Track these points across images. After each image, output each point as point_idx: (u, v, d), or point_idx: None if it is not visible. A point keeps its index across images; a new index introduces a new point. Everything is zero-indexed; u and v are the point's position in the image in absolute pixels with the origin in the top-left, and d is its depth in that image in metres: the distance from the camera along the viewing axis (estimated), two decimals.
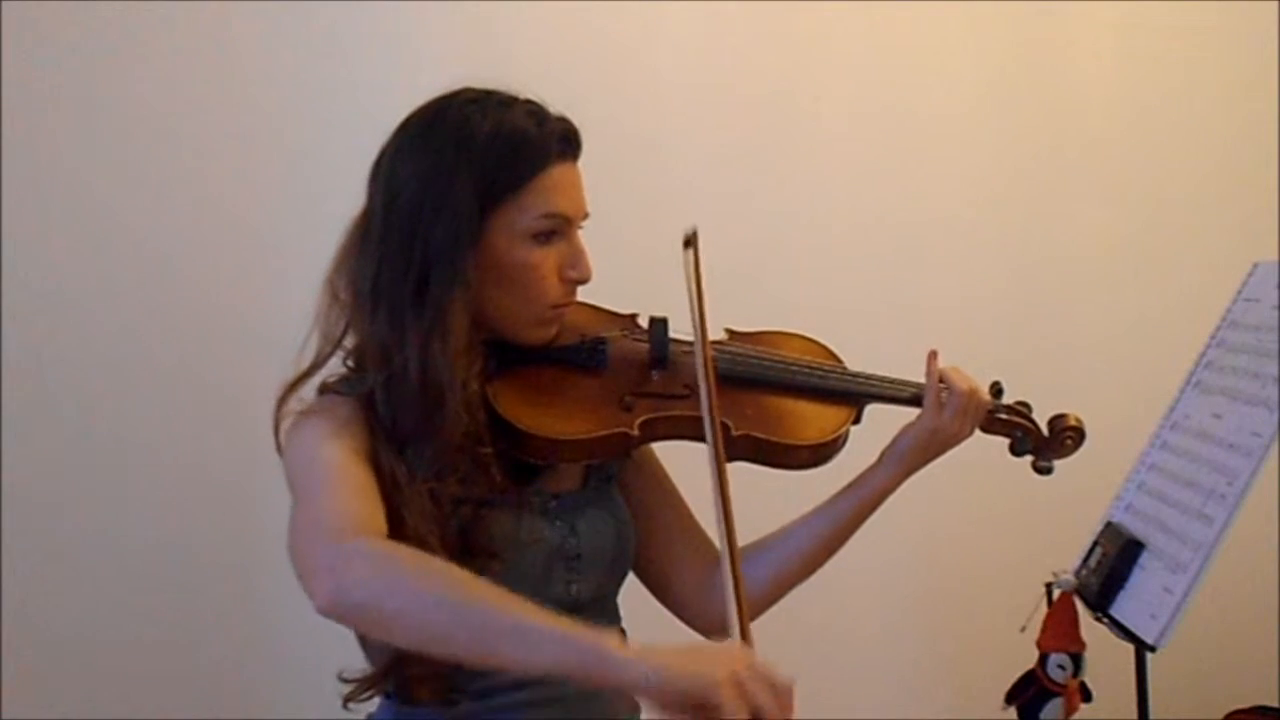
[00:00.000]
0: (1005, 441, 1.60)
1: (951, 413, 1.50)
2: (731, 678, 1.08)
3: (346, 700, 1.41)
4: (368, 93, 2.10)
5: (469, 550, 1.35)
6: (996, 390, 1.57)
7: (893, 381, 1.56)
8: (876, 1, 2.47)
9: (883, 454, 1.54)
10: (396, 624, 1.15)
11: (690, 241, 1.45)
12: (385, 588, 1.15)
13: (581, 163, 1.44)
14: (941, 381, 1.52)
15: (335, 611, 1.17)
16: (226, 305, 2.09)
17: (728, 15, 2.38)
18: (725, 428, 1.44)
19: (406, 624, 1.15)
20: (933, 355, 1.53)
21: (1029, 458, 1.60)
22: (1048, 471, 1.61)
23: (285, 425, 1.38)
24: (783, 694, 1.10)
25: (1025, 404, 1.61)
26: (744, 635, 1.21)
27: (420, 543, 1.30)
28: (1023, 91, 2.58)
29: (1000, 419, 1.58)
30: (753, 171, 2.41)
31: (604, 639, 1.11)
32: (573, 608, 1.43)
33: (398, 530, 1.30)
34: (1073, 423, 1.60)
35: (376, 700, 1.46)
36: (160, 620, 2.07)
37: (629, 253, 1.93)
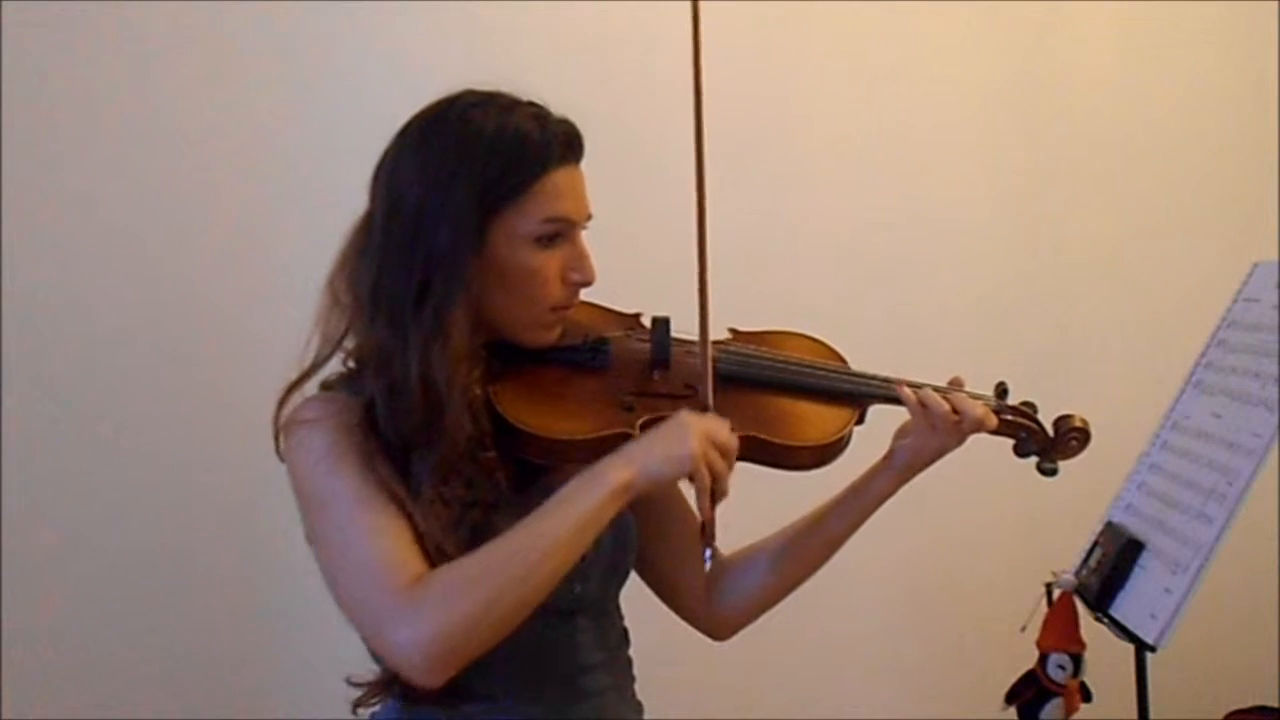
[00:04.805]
0: (1009, 442, 1.57)
1: (944, 431, 1.49)
2: (701, 450, 1.29)
3: (356, 705, 1.40)
4: (369, 94, 2.10)
5: None
6: (1001, 391, 1.55)
7: (896, 382, 1.53)
8: (880, 2, 2.48)
9: (884, 460, 1.53)
10: (495, 620, 1.24)
11: None
12: (461, 604, 1.23)
13: (587, 162, 1.43)
14: (923, 405, 1.49)
15: (442, 658, 1.23)
16: (228, 306, 2.09)
17: (733, 15, 2.37)
18: None
19: (499, 612, 1.24)
20: (900, 384, 1.51)
21: (1034, 459, 1.58)
22: (1052, 473, 1.58)
23: (286, 425, 1.38)
24: (730, 452, 1.33)
25: (1030, 404, 1.58)
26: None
27: (436, 549, 1.30)
28: (1023, 92, 2.58)
29: (1005, 420, 1.54)
30: (758, 171, 2.41)
31: (599, 472, 1.28)
32: (575, 608, 1.43)
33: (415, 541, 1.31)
34: (1078, 424, 1.57)
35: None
36: (161, 621, 2.07)
37: (634, 252, 1.93)
